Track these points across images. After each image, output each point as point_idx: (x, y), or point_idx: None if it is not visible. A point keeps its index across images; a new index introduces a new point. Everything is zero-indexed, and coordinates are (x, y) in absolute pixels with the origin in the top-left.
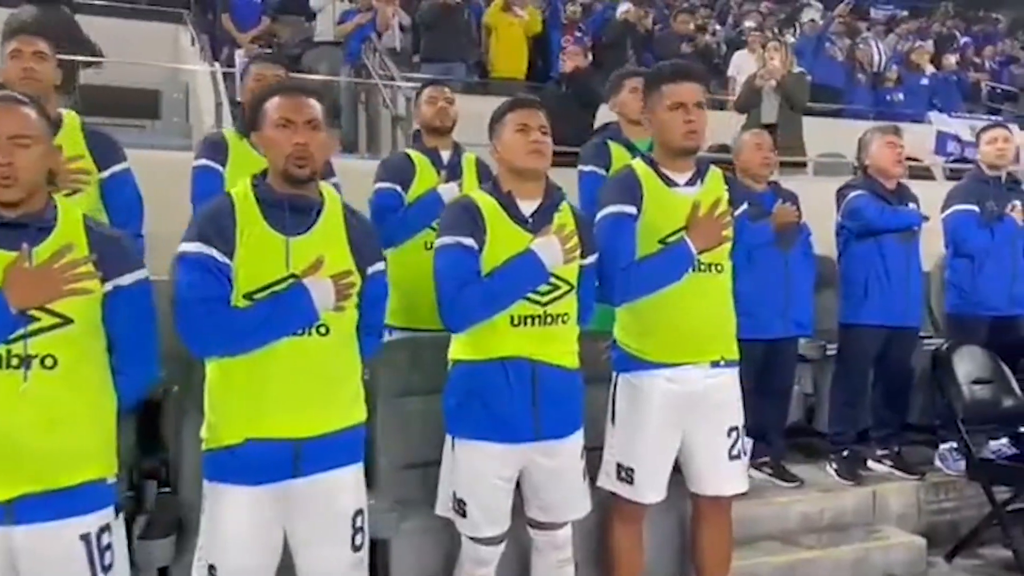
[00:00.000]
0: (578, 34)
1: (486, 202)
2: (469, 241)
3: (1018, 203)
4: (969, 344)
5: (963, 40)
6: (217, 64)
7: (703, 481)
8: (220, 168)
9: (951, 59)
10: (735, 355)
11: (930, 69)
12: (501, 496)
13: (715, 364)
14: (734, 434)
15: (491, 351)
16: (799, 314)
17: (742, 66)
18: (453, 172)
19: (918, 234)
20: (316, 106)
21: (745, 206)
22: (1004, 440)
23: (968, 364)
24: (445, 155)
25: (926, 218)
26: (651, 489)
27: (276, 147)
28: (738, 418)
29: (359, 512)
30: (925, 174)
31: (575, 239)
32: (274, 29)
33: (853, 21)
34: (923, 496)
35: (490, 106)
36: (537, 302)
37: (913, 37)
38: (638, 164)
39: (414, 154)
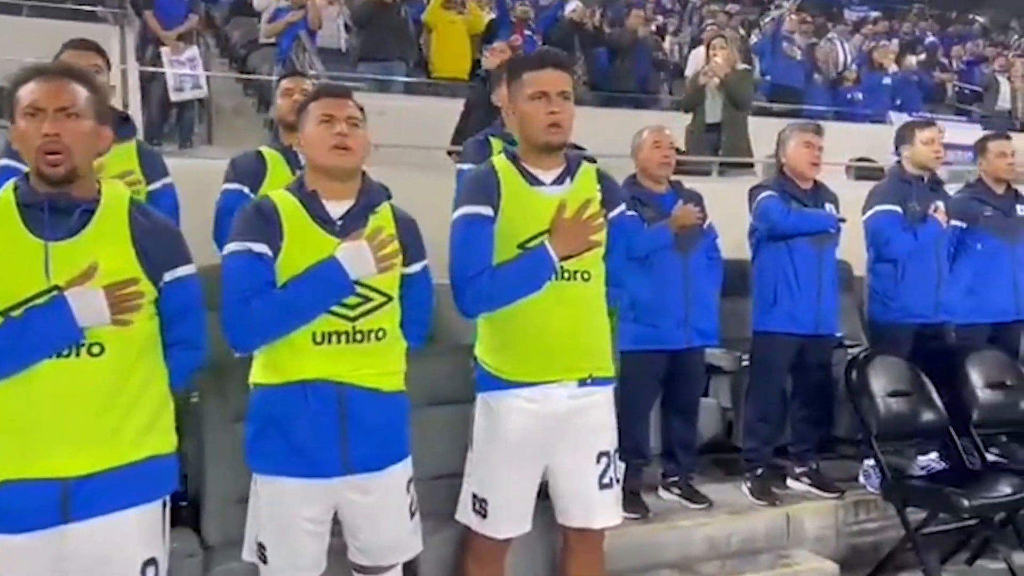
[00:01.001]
0: (528, 33)
1: (286, 202)
2: (260, 247)
3: (940, 204)
4: (890, 354)
5: (929, 40)
6: (137, 64)
7: (569, 512)
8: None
9: (912, 59)
10: (608, 372)
11: (893, 68)
12: (307, 540)
13: (582, 383)
14: (604, 460)
15: (291, 373)
16: (702, 322)
17: (699, 65)
18: None
19: (835, 237)
20: (77, 91)
21: (622, 207)
22: (933, 455)
23: (885, 375)
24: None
25: (842, 220)
26: (507, 522)
27: (25, 141)
28: (610, 442)
29: (150, 562)
30: (878, 174)
31: (393, 245)
32: (199, 27)
33: (824, 21)
34: (842, 517)
35: (432, 106)
36: (345, 316)
37: (879, 37)
38: (499, 160)
39: (267, 152)
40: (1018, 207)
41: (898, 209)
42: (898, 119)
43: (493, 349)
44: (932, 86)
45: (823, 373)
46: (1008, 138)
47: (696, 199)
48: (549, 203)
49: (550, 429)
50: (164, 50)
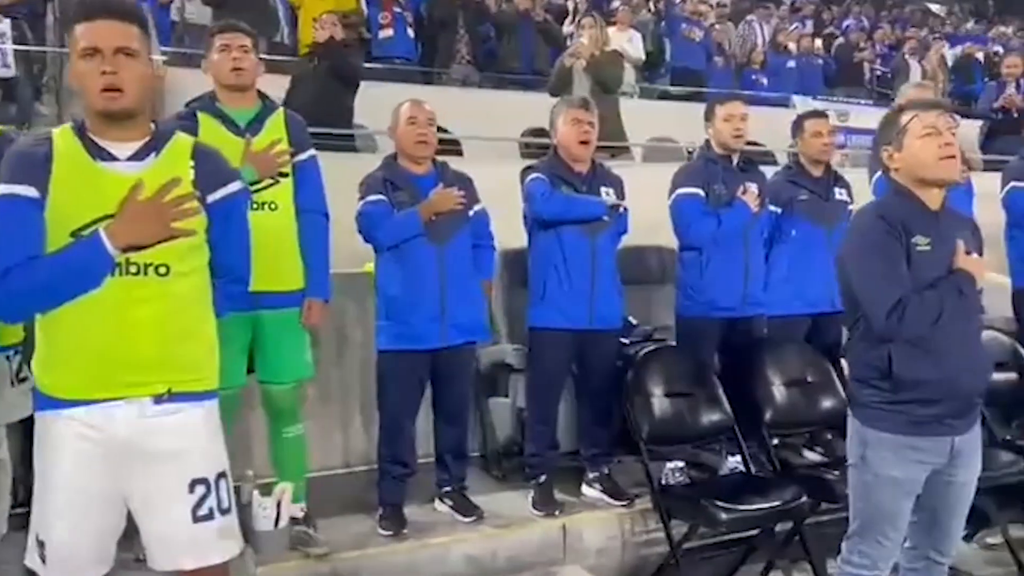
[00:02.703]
0: (397, 10)
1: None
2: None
3: (752, 187)
4: (686, 350)
5: (847, 23)
6: None
7: (153, 552)
8: None
9: (817, 42)
10: (201, 384)
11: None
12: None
13: (158, 399)
14: (201, 489)
15: None
16: (463, 317)
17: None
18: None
19: (613, 225)
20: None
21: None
22: (679, 464)
23: (665, 374)
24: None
25: (616, 208)
26: (66, 571)
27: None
28: (208, 467)
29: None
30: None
31: None
32: None
33: (751, 5)
34: (629, 527)
35: None
36: None
37: (797, 20)
38: (61, 133)
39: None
40: (836, 191)
41: (700, 192)
42: (801, 103)
43: (45, 362)
44: (840, 70)
45: (604, 371)
46: (825, 116)
47: (462, 182)
48: (121, 182)
49: (118, 456)
50: None
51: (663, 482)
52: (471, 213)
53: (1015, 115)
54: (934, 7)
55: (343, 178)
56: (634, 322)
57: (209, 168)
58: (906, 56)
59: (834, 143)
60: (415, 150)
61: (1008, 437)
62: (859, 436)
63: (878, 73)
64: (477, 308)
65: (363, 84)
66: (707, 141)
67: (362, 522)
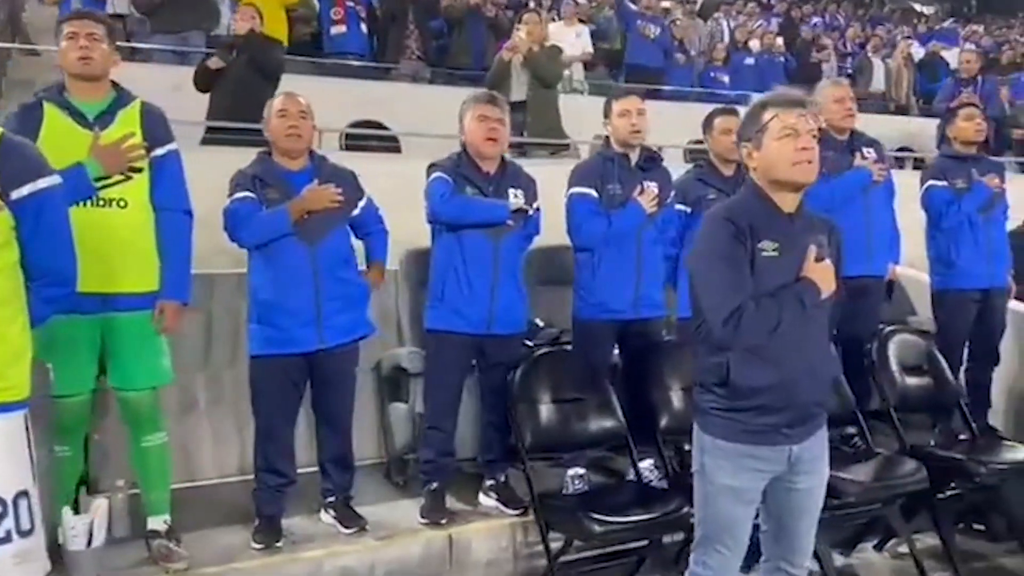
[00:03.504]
0: (350, 4)
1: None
2: None
3: (652, 186)
4: (582, 354)
5: (814, 21)
6: None
7: None
8: None
9: (778, 40)
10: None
11: (757, 49)
12: None
13: None
14: None
15: None
16: (341, 317)
17: (557, 40)
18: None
19: (519, 228)
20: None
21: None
22: (579, 471)
23: (552, 380)
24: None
25: (523, 210)
26: None
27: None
28: (6, 486)
29: None
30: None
31: None
32: None
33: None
34: (522, 537)
35: None
36: None
37: (767, 18)
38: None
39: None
40: None
41: (592, 192)
42: None
43: None
44: (800, 68)
45: (505, 375)
46: (735, 113)
47: (342, 178)
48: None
49: None
50: None
51: (563, 490)
52: (355, 211)
53: None
54: (918, 7)
55: None
56: (540, 324)
57: (14, 164)
58: (869, 54)
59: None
60: (287, 144)
61: (914, 444)
62: (699, 443)
63: (848, 71)
64: (356, 307)
65: (315, 80)
66: (606, 138)
67: (236, 535)
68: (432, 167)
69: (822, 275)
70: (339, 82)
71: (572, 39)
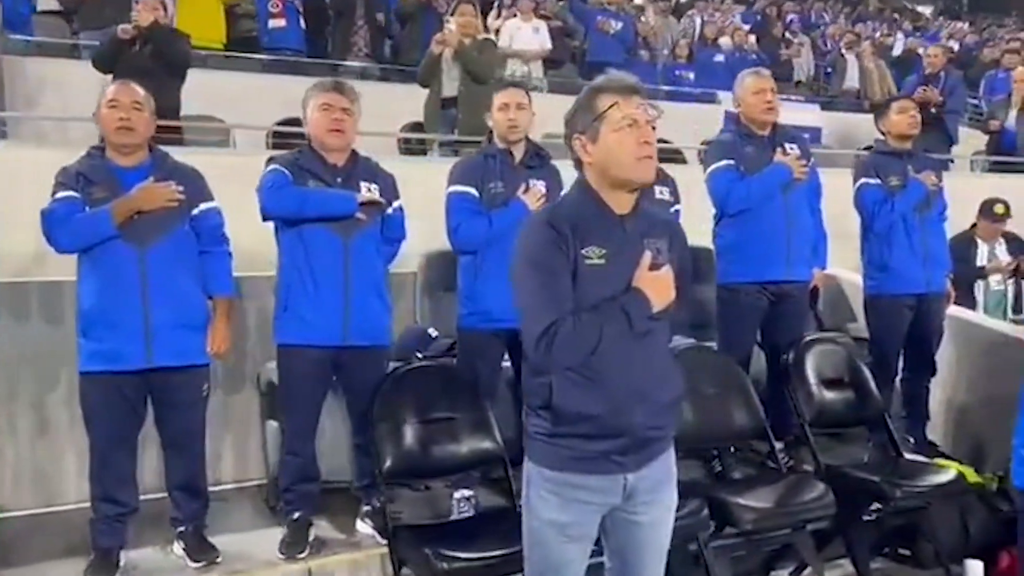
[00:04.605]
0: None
1: None
2: None
3: (539, 184)
4: (454, 367)
5: (790, 18)
6: None
7: None
8: None
9: (749, 37)
10: None
11: (728, 46)
12: None
13: None
14: None
15: None
16: (174, 334)
17: (515, 36)
18: None
19: (371, 225)
20: None
21: None
22: (466, 493)
23: (421, 397)
24: None
25: (379, 203)
26: None
27: None
28: None
29: None
30: (676, 157)
31: None
32: None
33: None
34: (391, 570)
35: None
36: None
37: (745, 15)
38: None
39: None
40: (656, 189)
41: (472, 191)
42: (726, 98)
43: None
44: (771, 66)
45: (370, 392)
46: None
47: (183, 175)
48: None
49: None
50: None
51: (450, 514)
52: (195, 211)
53: (932, 110)
54: (917, 7)
55: None
56: (433, 334)
57: None
58: (843, 52)
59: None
60: (117, 138)
61: (831, 464)
62: (526, 473)
63: (827, 70)
64: (193, 324)
65: (252, 75)
66: (489, 133)
67: (69, 568)
68: (270, 161)
69: (656, 285)
70: (274, 79)
71: (530, 35)
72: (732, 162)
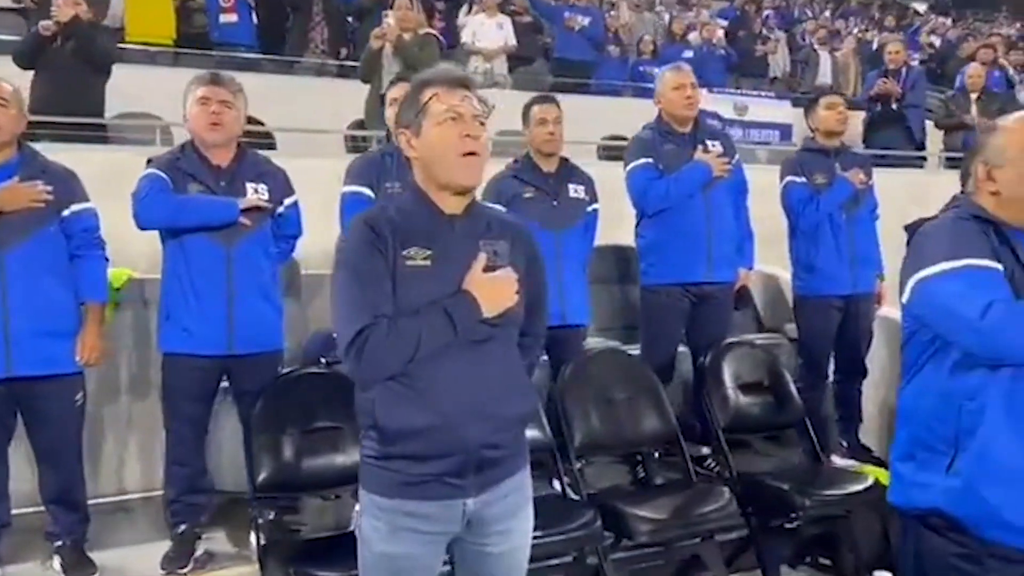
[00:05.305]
0: None
1: None
2: None
3: None
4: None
5: (766, 13)
6: None
7: None
8: None
9: (718, 32)
10: None
11: (697, 41)
12: None
13: None
14: None
15: None
16: (37, 343)
17: (478, 31)
18: None
19: (258, 229)
20: None
21: None
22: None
23: (301, 407)
24: None
25: (264, 208)
26: None
27: None
28: None
29: None
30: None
31: None
32: None
33: None
34: None
35: (128, 75)
36: None
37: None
38: None
39: None
40: (571, 187)
41: (367, 191)
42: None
43: None
44: (745, 61)
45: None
46: (553, 101)
47: (54, 176)
48: None
49: None
50: None
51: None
52: (66, 212)
53: (893, 105)
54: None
55: (91, 173)
56: None
57: None
58: (815, 47)
59: (561, 135)
60: None
61: (742, 471)
62: (359, 500)
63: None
64: (60, 331)
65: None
66: (387, 132)
67: None
68: (148, 163)
69: (489, 288)
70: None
71: (493, 31)
72: (650, 160)
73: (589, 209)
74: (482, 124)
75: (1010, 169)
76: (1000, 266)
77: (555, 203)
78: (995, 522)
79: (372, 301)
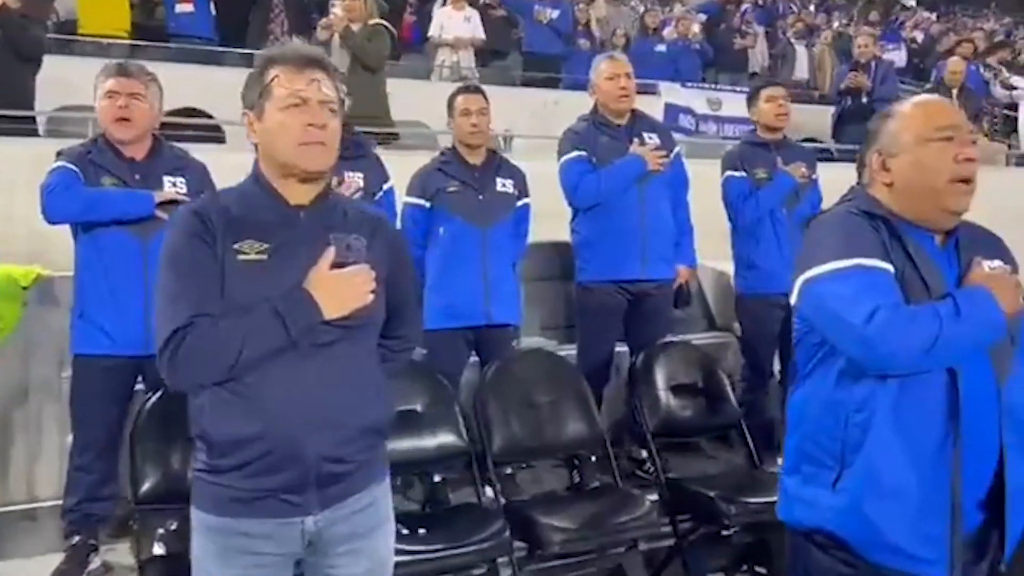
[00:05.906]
0: None
1: None
2: None
3: (356, 176)
4: None
5: (744, 7)
6: None
7: None
8: None
9: (694, 26)
10: None
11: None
12: None
13: None
14: None
15: None
16: None
17: (445, 24)
18: None
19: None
20: None
21: None
22: None
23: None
24: None
25: (182, 201)
26: None
27: None
28: None
29: None
30: None
31: None
32: None
33: None
34: None
35: (79, 69)
36: None
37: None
38: None
39: None
40: (499, 181)
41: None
42: (667, 90)
43: None
44: (723, 56)
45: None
46: (478, 92)
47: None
48: None
49: None
50: None
51: None
52: None
53: (864, 99)
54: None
55: (20, 167)
56: None
57: None
58: (791, 40)
59: (486, 126)
60: None
61: (675, 477)
62: (192, 520)
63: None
64: None
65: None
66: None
67: None
68: (58, 156)
69: (335, 287)
70: (182, 68)
71: (460, 23)
72: (583, 153)
73: (519, 204)
74: (332, 111)
75: (905, 157)
76: (890, 266)
77: (480, 197)
78: (881, 545)
79: (192, 298)
